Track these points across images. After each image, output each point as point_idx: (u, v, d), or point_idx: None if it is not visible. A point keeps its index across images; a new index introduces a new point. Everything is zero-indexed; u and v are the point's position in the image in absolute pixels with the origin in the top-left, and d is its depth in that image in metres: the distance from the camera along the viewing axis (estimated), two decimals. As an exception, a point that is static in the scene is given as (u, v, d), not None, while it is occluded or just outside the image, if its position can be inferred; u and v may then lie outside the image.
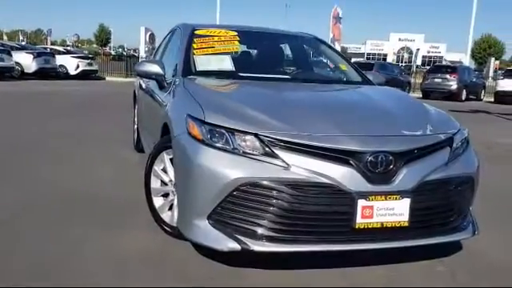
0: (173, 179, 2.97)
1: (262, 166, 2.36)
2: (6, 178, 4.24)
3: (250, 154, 2.40)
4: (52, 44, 40.64)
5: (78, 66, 20.99)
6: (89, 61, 21.92)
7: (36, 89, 14.02)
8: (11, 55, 17.87)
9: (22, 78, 18.43)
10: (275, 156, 2.37)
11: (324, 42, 4.30)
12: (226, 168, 2.38)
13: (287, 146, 2.38)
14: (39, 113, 8.70)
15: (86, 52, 29.55)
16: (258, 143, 2.41)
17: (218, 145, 2.46)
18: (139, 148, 5.46)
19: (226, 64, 3.63)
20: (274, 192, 2.33)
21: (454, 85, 20.51)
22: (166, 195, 3.10)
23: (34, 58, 19.04)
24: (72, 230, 3.09)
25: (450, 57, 74.77)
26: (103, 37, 76.17)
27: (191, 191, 2.52)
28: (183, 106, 2.91)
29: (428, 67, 31.22)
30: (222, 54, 3.79)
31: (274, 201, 2.33)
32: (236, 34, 3.95)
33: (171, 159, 3.01)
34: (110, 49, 71.24)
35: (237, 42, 3.89)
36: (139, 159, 5.27)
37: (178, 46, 3.94)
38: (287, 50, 4.31)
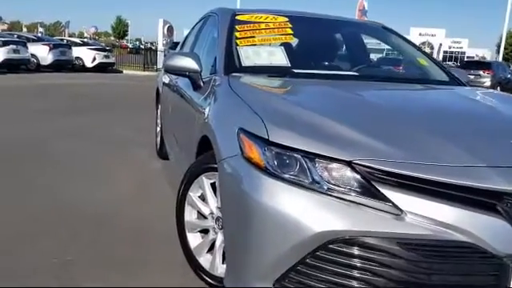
0: (214, 211, 2.21)
1: (361, 212, 1.57)
2: None
3: (340, 192, 1.61)
4: (70, 36, 40.23)
5: (94, 59, 20.36)
6: (106, 53, 21.27)
7: (50, 82, 13.38)
8: (27, 47, 17.28)
9: (37, 70, 17.87)
10: (381, 197, 1.58)
11: (394, 32, 3.47)
12: (305, 214, 1.60)
13: (400, 183, 1.58)
14: (51, 109, 8.01)
15: (104, 44, 28.93)
16: (352, 176, 1.62)
17: (289, 176, 1.67)
18: (162, 154, 4.72)
19: (279, 58, 2.83)
20: (381, 255, 1.53)
21: (487, 82, 19.41)
22: (204, 231, 2.33)
23: (50, 49, 18.45)
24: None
25: (471, 52, 72.65)
26: (121, 29, 75.97)
27: (249, 242, 1.74)
28: (232, 115, 2.13)
29: (450, 63, 29.68)
30: (271, 46, 3.00)
31: (381, 268, 1.53)
32: (287, 20, 3.14)
33: (213, 185, 2.24)
34: (127, 41, 70.91)
35: (289, 30, 3.08)
36: (163, 167, 4.53)
37: (215, 36, 3.15)
38: (349, 40, 3.48)
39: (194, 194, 2.34)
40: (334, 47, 3.37)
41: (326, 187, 1.63)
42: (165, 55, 22.99)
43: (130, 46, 50.90)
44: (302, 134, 1.74)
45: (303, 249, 1.58)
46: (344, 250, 1.55)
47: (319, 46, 3.29)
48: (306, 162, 1.67)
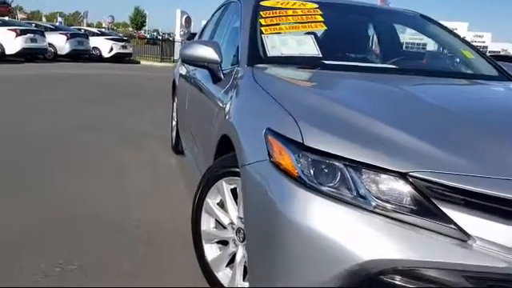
0: (235, 221, 1.94)
1: (419, 236, 1.28)
2: None
3: (391, 210, 1.32)
4: (88, 26, 40.25)
5: (111, 49, 20.24)
6: (123, 43, 21.14)
7: (66, 72, 13.25)
8: (44, 36, 17.19)
9: (54, 59, 17.79)
10: (443, 218, 1.28)
11: (434, 21, 3.13)
12: (348, 236, 1.31)
13: (467, 201, 1.28)
14: (65, 100, 7.83)
15: (121, 35, 28.82)
16: (407, 191, 1.33)
17: (328, 189, 1.39)
18: (178, 149, 4.47)
19: (310, 47, 2.53)
20: (445, 291, 1.24)
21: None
22: (223, 243, 2.07)
23: (68, 39, 18.37)
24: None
25: (494, 47, 70.93)
26: (138, 20, 75.97)
27: (276, 263, 1.46)
28: (258, 113, 1.85)
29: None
30: (300, 34, 2.70)
31: (445, 308, 1.24)
32: (316, 6, 2.83)
33: (233, 190, 1.97)
34: (144, 32, 70.93)
35: (319, 18, 2.77)
36: (178, 164, 4.28)
37: (237, 24, 2.87)
38: (384, 29, 3.16)
39: (212, 201, 2.07)
40: (368, 37, 3.06)
41: (373, 204, 1.34)
42: (182, 46, 22.82)
43: (148, 36, 50.86)
44: (344, 138, 1.45)
45: (345, 280, 1.29)
46: (397, 283, 1.26)
47: (351, 36, 2.97)
48: (349, 173, 1.38)
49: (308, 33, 2.77)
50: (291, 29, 2.71)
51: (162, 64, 21.60)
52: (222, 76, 2.50)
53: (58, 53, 18.19)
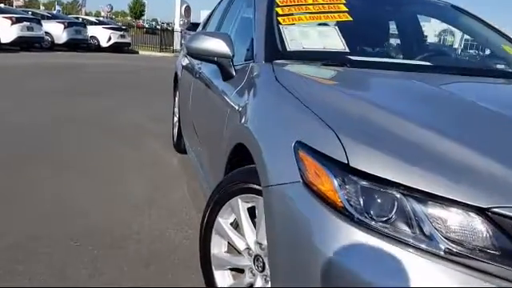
0: (252, 247, 1.65)
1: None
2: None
3: (468, 257, 1.02)
4: (87, 15, 39.62)
5: (110, 38, 19.79)
6: (122, 33, 20.69)
7: (63, 61, 12.87)
8: (41, 25, 16.74)
9: (51, 49, 17.38)
10: None
11: (467, 13, 2.81)
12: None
13: None
14: (61, 91, 7.49)
15: (120, 24, 28.33)
16: (489, 233, 1.03)
17: (382, 225, 1.09)
18: (180, 147, 4.17)
19: (335, 41, 2.20)
20: None
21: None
22: (237, 270, 1.77)
23: (65, 28, 17.92)
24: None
25: None
26: (137, 9, 75.32)
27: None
28: (283, 120, 1.54)
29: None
30: (322, 25, 2.39)
31: None
32: (339, -6, 2.52)
33: (250, 210, 1.67)
34: (143, 22, 70.22)
35: (342, 7, 2.45)
36: (180, 164, 3.98)
37: (249, 13, 2.56)
38: (412, 21, 2.83)
39: (224, 220, 1.77)
40: (397, 30, 2.74)
41: (443, 247, 1.04)
42: (181, 36, 22.44)
43: (147, 26, 50.24)
44: (402, 159, 1.15)
45: None
46: None
47: (379, 28, 2.65)
48: (409, 205, 1.08)
49: (330, 24, 2.46)
50: (312, 19, 2.39)
51: (161, 54, 21.21)
52: (234, 72, 2.19)
53: (56, 42, 17.74)
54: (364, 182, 1.13)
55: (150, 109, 6.36)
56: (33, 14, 18.89)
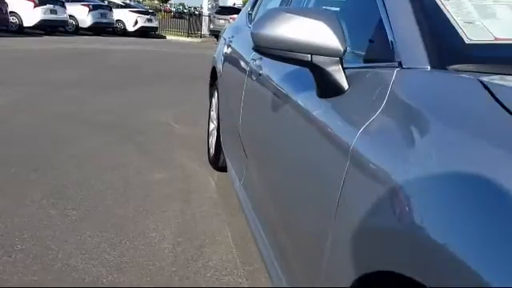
0: None
1: None
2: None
3: None
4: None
5: (136, 22, 18.97)
6: (149, 16, 19.83)
7: (87, 47, 12.06)
8: (65, 7, 15.99)
9: (76, 33, 16.66)
10: None
11: None
12: None
13: None
14: (81, 82, 6.63)
15: (147, 7, 27.47)
16: None
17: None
18: (218, 164, 3.21)
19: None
20: None
21: None
22: None
23: (90, 11, 17.15)
24: None
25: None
26: (165, -7, 74.59)
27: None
28: None
29: None
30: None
31: None
32: None
33: None
34: (170, 6, 69.43)
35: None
36: (219, 186, 3.02)
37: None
38: None
39: None
40: None
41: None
42: (210, 20, 21.27)
43: (174, 10, 49.37)
44: None
45: None
46: None
47: None
48: None
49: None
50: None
51: (189, 39, 20.30)
52: (346, 83, 1.17)
53: (80, 26, 17.03)
54: None
55: (178, 105, 5.42)
56: (57, -5, 18.19)
